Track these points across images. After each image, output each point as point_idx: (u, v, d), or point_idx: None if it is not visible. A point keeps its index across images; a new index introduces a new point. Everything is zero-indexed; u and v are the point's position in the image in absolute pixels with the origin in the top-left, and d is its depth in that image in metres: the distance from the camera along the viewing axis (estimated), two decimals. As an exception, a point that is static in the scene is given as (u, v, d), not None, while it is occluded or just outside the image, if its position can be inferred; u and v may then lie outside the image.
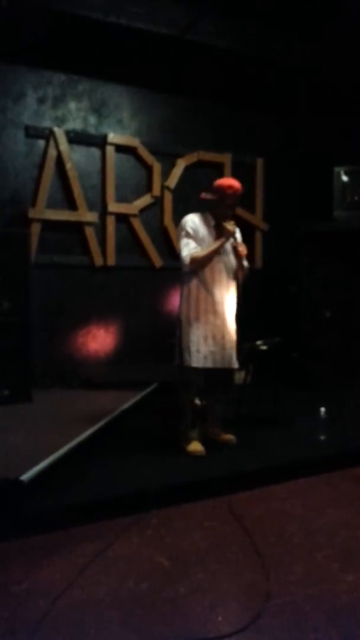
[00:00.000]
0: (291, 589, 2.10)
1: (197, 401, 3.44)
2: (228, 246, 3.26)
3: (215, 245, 3.18)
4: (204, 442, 3.29)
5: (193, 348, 3.16)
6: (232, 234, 3.22)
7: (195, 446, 3.24)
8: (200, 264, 3.16)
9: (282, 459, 3.28)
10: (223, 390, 3.46)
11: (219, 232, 3.23)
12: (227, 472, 3.08)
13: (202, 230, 3.22)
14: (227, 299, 3.26)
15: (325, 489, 3.07)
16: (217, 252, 3.19)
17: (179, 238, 3.24)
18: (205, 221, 3.27)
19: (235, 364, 3.34)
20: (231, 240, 3.23)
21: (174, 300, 4.55)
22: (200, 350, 3.17)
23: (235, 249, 3.25)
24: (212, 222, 3.27)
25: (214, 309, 3.20)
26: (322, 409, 3.67)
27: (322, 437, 3.59)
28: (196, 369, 3.18)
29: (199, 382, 3.25)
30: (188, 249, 3.15)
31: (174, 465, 3.11)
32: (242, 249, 3.25)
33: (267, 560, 2.30)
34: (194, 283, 3.20)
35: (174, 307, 4.82)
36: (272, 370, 4.07)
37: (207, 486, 2.94)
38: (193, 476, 3.00)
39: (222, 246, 3.20)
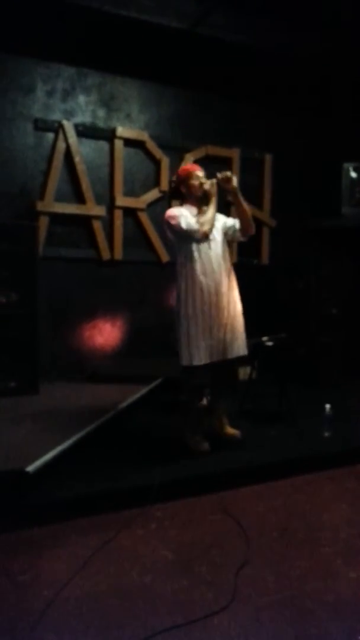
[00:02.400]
0: (294, 584, 2.11)
1: (203, 399, 3.45)
2: (218, 236, 3.23)
3: (210, 207, 3.15)
4: (209, 437, 3.30)
5: (193, 344, 3.10)
6: (228, 182, 3.17)
7: (201, 442, 3.25)
8: (209, 224, 3.11)
9: (286, 455, 3.28)
10: (228, 384, 3.44)
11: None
12: (231, 467, 3.09)
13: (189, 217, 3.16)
14: (224, 288, 3.20)
15: (329, 485, 3.07)
16: (214, 212, 3.18)
17: (171, 225, 3.12)
18: (189, 210, 3.20)
19: (242, 351, 3.27)
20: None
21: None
22: (200, 346, 3.11)
23: (225, 184, 3.18)
24: (195, 210, 3.21)
25: (210, 301, 3.14)
26: (327, 406, 3.65)
27: (327, 434, 3.58)
28: (199, 367, 3.14)
29: (204, 379, 3.24)
30: (187, 219, 3.09)
31: (179, 459, 3.11)
32: (233, 183, 3.17)
33: (271, 556, 2.31)
34: (189, 277, 3.13)
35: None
36: (277, 366, 4.06)
37: (212, 480, 2.95)
38: (197, 470, 3.01)
39: (214, 201, 3.17)
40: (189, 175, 3.22)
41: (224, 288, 3.21)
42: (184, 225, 3.08)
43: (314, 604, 1.98)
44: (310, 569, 2.22)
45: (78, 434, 3.08)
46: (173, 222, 3.11)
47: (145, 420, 3.87)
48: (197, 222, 3.10)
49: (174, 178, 3.32)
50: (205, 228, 3.11)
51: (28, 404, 3.84)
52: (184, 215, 3.11)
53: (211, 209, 3.17)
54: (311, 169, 5.55)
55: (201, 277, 3.13)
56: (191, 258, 3.14)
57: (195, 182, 3.19)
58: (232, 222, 3.36)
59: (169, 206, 4.91)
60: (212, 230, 3.17)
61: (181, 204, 3.29)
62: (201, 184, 3.18)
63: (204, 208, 3.20)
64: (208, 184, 3.19)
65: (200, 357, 3.11)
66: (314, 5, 4.42)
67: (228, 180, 3.17)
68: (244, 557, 2.28)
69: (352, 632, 1.84)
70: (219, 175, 3.19)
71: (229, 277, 3.26)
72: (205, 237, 3.13)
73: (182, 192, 3.25)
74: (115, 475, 2.89)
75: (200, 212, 3.20)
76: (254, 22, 4.69)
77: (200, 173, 3.24)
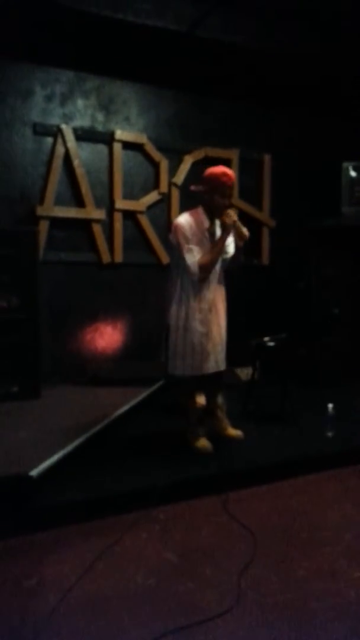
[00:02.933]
0: (298, 585, 2.11)
1: (200, 399, 3.46)
2: (229, 248, 3.21)
3: (218, 245, 3.06)
4: (211, 438, 3.30)
5: (179, 356, 3.11)
6: (233, 225, 3.03)
7: (203, 443, 3.25)
8: (209, 270, 3.05)
9: (289, 455, 3.28)
10: (216, 387, 3.44)
11: (214, 230, 3.13)
12: (233, 468, 3.10)
13: (197, 232, 3.09)
14: (217, 303, 3.20)
15: (332, 485, 3.08)
16: (222, 251, 3.10)
17: (176, 244, 3.07)
18: (198, 221, 3.12)
19: (223, 366, 3.28)
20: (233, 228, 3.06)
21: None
22: (186, 359, 3.11)
23: (238, 233, 3.06)
24: (206, 221, 3.13)
25: (202, 317, 3.11)
26: (330, 405, 3.66)
27: (330, 434, 3.58)
28: (184, 376, 3.16)
29: (193, 384, 3.25)
30: (192, 256, 3.02)
31: (182, 461, 3.12)
32: (245, 231, 3.07)
33: (274, 557, 2.31)
34: (184, 291, 3.10)
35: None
36: (279, 366, 4.06)
37: (214, 482, 2.96)
38: (200, 472, 3.02)
39: (224, 242, 3.07)
40: (221, 188, 3.03)
41: (216, 303, 3.20)
42: (187, 261, 3.02)
43: (318, 605, 1.99)
44: (314, 569, 2.22)
45: (81, 438, 3.09)
46: (179, 243, 3.04)
47: (147, 422, 3.87)
48: (199, 265, 3.01)
49: (207, 177, 3.08)
50: (203, 276, 3.04)
51: (30, 408, 3.85)
52: (190, 247, 3.02)
53: (218, 246, 3.06)
54: (310, 168, 5.55)
55: (198, 292, 3.10)
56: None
57: (222, 201, 3.05)
58: (232, 249, 3.24)
59: (170, 209, 4.99)
60: (210, 273, 3.08)
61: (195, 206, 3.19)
62: (224, 205, 3.05)
63: (211, 230, 3.11)
64: (228, 218, 3.02)
65: (183, 369, 3.13)
66: (312, 5, 4.42)
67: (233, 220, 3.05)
68: (247, 558, 2.28)
69: (357, 633, 1.84)
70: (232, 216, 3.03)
71: (221, 291, 3.25)
72: (201, 282, 3.08)
73: (204, 198, 3.11)
74: (118, 479, 2.89)
75: (208, 229, 3.12)
76: (252, 24, 4.70)
77: (231, 188, 3.08)
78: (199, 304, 3.12)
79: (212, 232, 3.15)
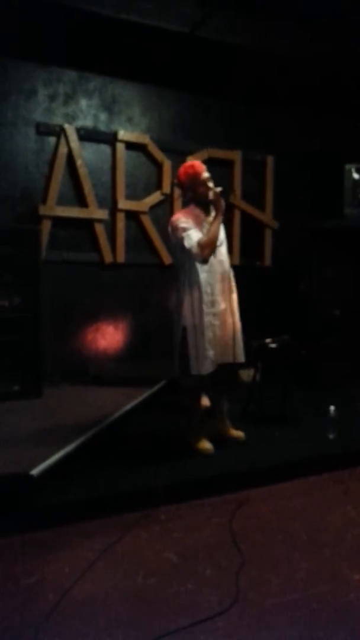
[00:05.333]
0: (299, 586, 2.11)
1: (206, 401, 3.45)
2: (222, 247, 3.21)
3: (214, 224, 3.10)
4: (212, 439, 3.30)
5: (201, 354, 3.09)
6: (219, 196, 3.10)
7: (204, 444, 3.25)
8: (210, 248, 3.06)
9: (290, 457, 3.28)
10: (227, 385, 3.46)
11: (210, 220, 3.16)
12: (235, 470, 3.10)
13: (195, 224, 3.11)
14: (227, 296, 3.22)
15: (333, 487, 3.08)
16: (219, 230, 3.13)
17: (175, 237, 3.09)
18: (193, 214, 3.16)
19: (242, 358, 3.29)
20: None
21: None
22: (207, 356, 3.11)
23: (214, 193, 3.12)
24: (202, 214, 3.17)
25: (215, 310, 3.14)
26: (331, 407, 3.65)
27: (331, 435, 3.58)
28: (203, 375, 3.14)
29: (206, 384, 3.26)
30: (190, 238, 3.02)
31: (182, 462, 3.12)
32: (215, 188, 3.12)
33: (275, 558, 2.31)
34: (194, 288, 3.11)
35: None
36: (280, 368, 4.06)
37: (215, 483, 2.96)
38: (201, 473, 3.02)
39: (220, 217, 3.11)
40: (195, 181, 3.15)
41: (227, 295, 3.22)
42: (186, 244, 3.02)
43: (318, 606, 1.98)
44: (315, 571, 2.22)
45: (82, 437, 3.09)
46: (177, 234, 3.07)
47: (148, 423, 3.88)
48: (199, 243, 3.02)
49: (176, 181, 3.28)
50: (206, 253, 3.05)
51: (31, 408, 3.85)
52: (187, 233, 3.04)
53: (215, 225, 3.10)
54: (313, 170, 5.56)
55: (207, 288, 3.12)
56: (196, 268, 3.11)
57: (203, 190, 3.13)
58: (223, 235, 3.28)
59: (172, 210, 4.99)
60: (214, 251, 3.11)
61: (187, 205, 3.24)
62: (208, 190, 3.11)
63: (209, 220, 3.14)
64: (212, 194, 3.10)
65: (207, 366, 3.12)
66: (314, 6, 4.43)
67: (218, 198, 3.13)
68: (248, 559, 2.28)
69: (357, 635, 1.84)
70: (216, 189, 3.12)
71: (230, 283, 3.27)
72: (205, 262, 3.09)
73: (189, 196, 3.20)
74: (119, 478, 2.90)
75: (206, 219, 3.15)
76: (255, 24, 4.71)
77: (205, 175, 3.16)
78: (210, 297, 3.13)
79: (209, 222, 3.17)
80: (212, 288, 3.14)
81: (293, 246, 5.37)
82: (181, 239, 3.04)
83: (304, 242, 5.23)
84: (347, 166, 5.13)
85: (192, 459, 3.17)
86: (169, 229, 3.17)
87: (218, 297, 3.16)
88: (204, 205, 3.19)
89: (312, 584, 2.13)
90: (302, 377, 4.67)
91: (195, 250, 3.02)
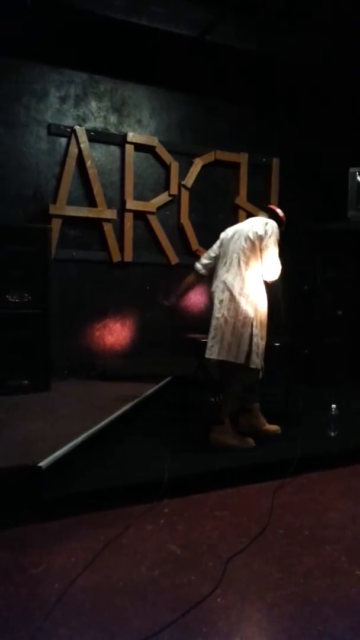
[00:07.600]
0: (300, 581, 2.12)
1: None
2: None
3: None
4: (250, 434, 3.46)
5: (260, 350, 3.34)
6: None
7: (246, 440, 3.40)
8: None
9: (292, 454, 3.30)
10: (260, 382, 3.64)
11: None
12: (238, 465, 3.14)
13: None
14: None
15: (335, 484, 3.11)
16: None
17: (268, 244, 3.47)
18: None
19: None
20: None
21: (188, 297, 4.63)
22: (260, 353, 3.36)
23: None
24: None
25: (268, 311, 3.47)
26: (333, 406, 3.69)
27: (333, 433, 3.62)
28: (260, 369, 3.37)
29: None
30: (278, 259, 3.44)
31: (187, 456, 3.18)
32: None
33: (277, 553, 2.34)
34: (263, 292, 3.45)
35: (187, 303, 4.93)
36: (283, 367, 4.11)
37: (219, 478, 3.01)
38: (205, 468, 3.08)
39: None
40: (281, 224, 3.69)
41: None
42: (278, 264, 3.51)
43: (319, 601, 1.99)
44: (316, 566, 2.23)
45: (89, 431, 3.13)
46: (273, 240, 3.51)
47: (155, 417, 3.93)
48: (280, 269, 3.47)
49: (283, 218, 3.79)
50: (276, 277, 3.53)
51: (40, 401, 3.90)
52: (277, 250, 3.49)
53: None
54: (318, 173, 5.60)
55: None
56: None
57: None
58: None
59: (179, 211, 5.05)
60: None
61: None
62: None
63: None
64: None
65: (262, 361, 3.37)
66: (322, 11, 4.47)
67: None
68: (250, 553, 2.31)
69: (358, 630, 1.85)
70: None
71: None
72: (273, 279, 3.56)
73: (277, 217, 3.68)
74: (125, 472, 2.95)
75: None
76: (263, 29, 4.75)
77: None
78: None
79: None
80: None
81: (297, 248, 5.40)
82: (275, 249, 3.46)
83: (308, 243, 5.27)
84: (352, 170, 5.16)
85: (196, 453, 3.22)
86: (266, 225, 3.50)
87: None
88: None
89: (313, 578, 2.14)
90: (304, 375, 4.72)
91: (278, 274, 3.49)
